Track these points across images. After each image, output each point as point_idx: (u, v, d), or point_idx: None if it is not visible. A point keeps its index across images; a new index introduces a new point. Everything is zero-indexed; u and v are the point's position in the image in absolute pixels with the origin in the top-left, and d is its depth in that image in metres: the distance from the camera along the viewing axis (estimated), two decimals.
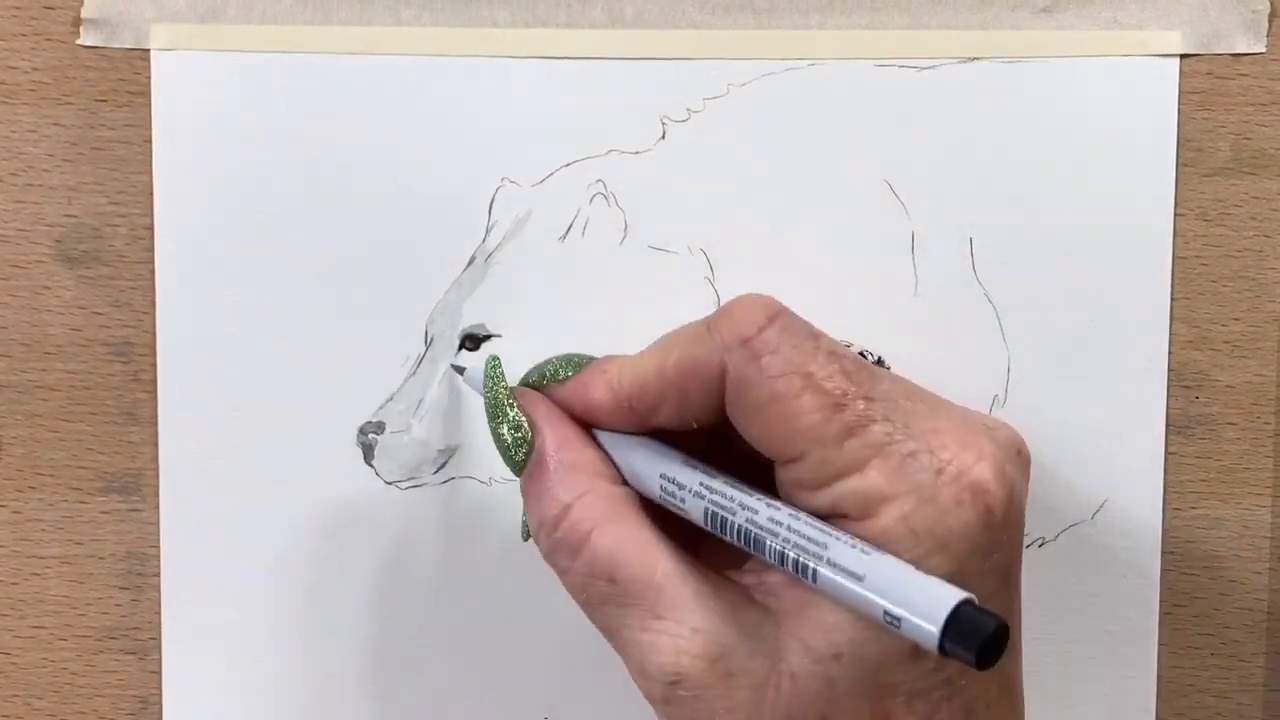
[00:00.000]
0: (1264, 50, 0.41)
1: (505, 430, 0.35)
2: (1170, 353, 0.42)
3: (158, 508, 0.42)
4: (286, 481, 0.42)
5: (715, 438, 0.34)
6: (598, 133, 0.41)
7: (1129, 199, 0.41)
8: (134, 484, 0.42)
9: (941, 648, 0.28)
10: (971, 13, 0.41)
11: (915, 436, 0.30)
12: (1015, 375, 0.42)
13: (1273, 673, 0.43)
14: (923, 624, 0.28)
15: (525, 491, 0.34)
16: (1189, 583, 0.42)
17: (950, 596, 0.28)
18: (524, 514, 0.35)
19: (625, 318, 0.41)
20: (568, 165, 0.41)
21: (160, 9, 0.41)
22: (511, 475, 0.35)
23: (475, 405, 0.41)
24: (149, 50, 0.41)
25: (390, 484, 0.42)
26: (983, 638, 0.27)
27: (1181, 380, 0.42)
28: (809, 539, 0.30)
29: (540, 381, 0.36)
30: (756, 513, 0.31)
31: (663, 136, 0.41)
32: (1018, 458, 0.32)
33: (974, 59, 0.41)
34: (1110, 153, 0.41)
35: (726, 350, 0.32)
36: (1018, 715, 0.33)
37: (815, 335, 0.32)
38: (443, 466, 0.42)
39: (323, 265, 0.41)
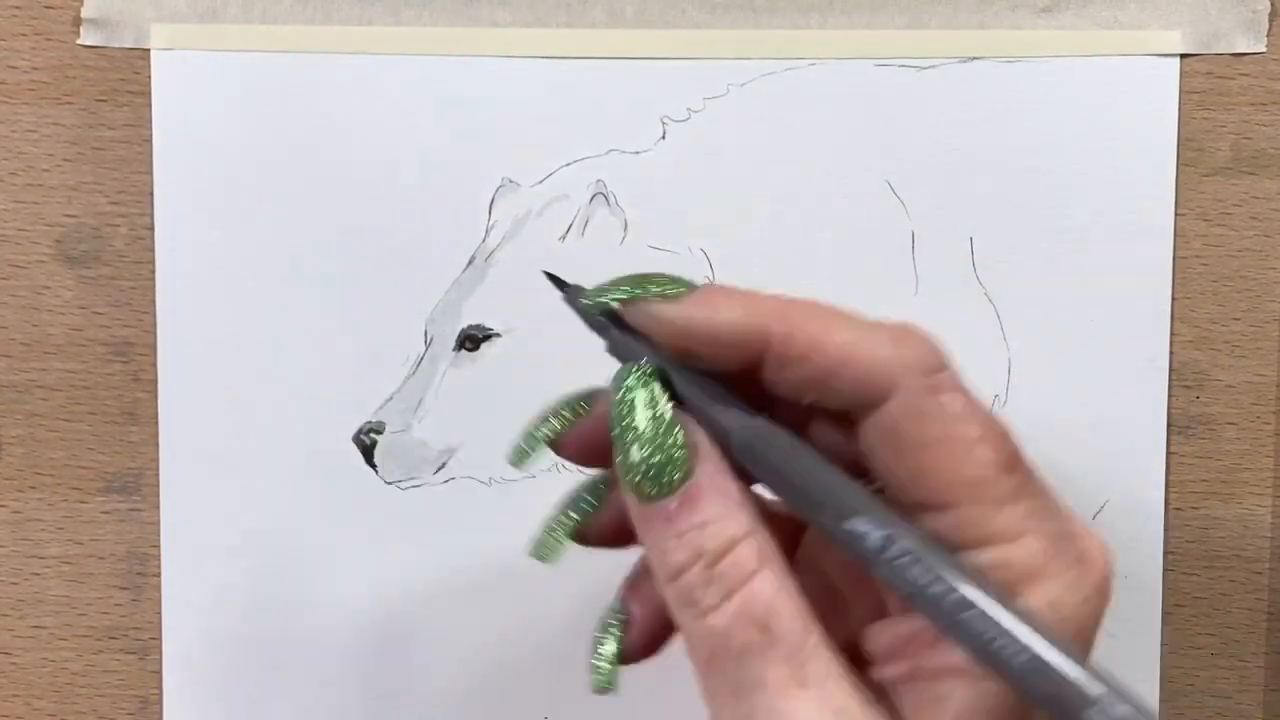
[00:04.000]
0: (1264, 50, 0.41)
1: (663, 445, 0.30)
2: (1170, 353, 0.42)
3: (158, 508, 0.42)
4: (286, 482, 0.42)
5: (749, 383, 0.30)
6: (598, 133, 0.41)
7: (1129, 199, 0.41)
8: (134, 484, 0.42)
9: None
10: (971, 13, 0.41)
11: (1061, 519, 0.29)
12: (1015, 375, 0.42)
13: (1273, 673, 0.43)
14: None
15: (674, 517, 0.30)
16: (1189, 583, 0.42)
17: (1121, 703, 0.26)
18: (553, 517, 0.31)
19: None
20: (568, 165, 0.41)
21: (160, 9, 0.41)
22: (513, 474, 0.34)
23: (476, 404, 0.41)
24: (149, 50, 0.41)
25: (390, 484, 0.42)
26: None
27: (1182, 380, 0.42)
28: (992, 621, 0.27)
29: (633, 296, 0.30)
30: (946, 585, 0.28)
31: (663, 136, 0.41)
32: None
33: (974, 59, 0.41)
34: (1110, 153, 0.41)
35: (907, 373, 0.29)
36: None
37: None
38: (443, 466, 0.42)
39: (323, 265, 0.41)
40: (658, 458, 0.30)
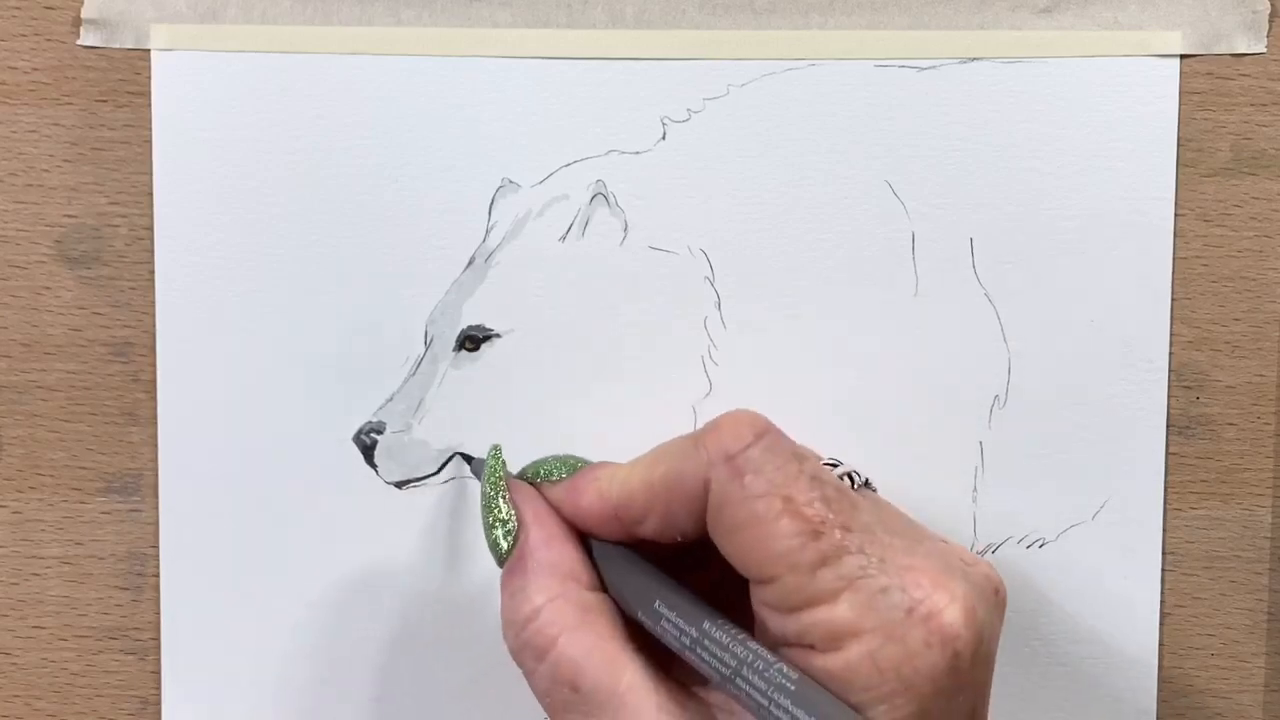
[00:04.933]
0: (1264, 50, 0.41)
1: (494, 521, 0.35)
2: (1170, 353, 0.42)
3: (158, 508, 0.42)
4: (286, 481, 0.42)
5: (704, 548, 0.33)
6: (598, 133, 0.41)
7: (1129, 199, 0.41)
8: (134, 484, 0.42)
9: None
10: (971, 13, 0.41)
11: (889, 572, 0.30)
12: (1015, 375, 0.42)
13: (1273, 673, 0.43)
14: None
15: (503, 585, 0.34)
16: (1189, 583, 0.42)
17: None
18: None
19: (625, 318, 0.41)
20: (568, 165, 0.41)
21: (160, 9, 0.41)
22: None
23: (476, 404, 0.41)
24: (149, 50, 0.41)
25: (390, 484, 0.42)
26: None
27: (1181, 380, 0.42)
28: (781, 692, 0.30)
29: (534, 478, 0.36)
30: (732, 655, 0.31)
31: (663, 136, 0.41)
32: (994, 598, 0.32)
33: (974, 59, 0.41)
34: (1110, 153, 0.41)
35: (711, 466, 0.32)
36: None
37: (800, 457, 0.32)
38: (443, 466, 0.42)
39: (322, 265, 0.41)
40: (495, 529, 0.35)
